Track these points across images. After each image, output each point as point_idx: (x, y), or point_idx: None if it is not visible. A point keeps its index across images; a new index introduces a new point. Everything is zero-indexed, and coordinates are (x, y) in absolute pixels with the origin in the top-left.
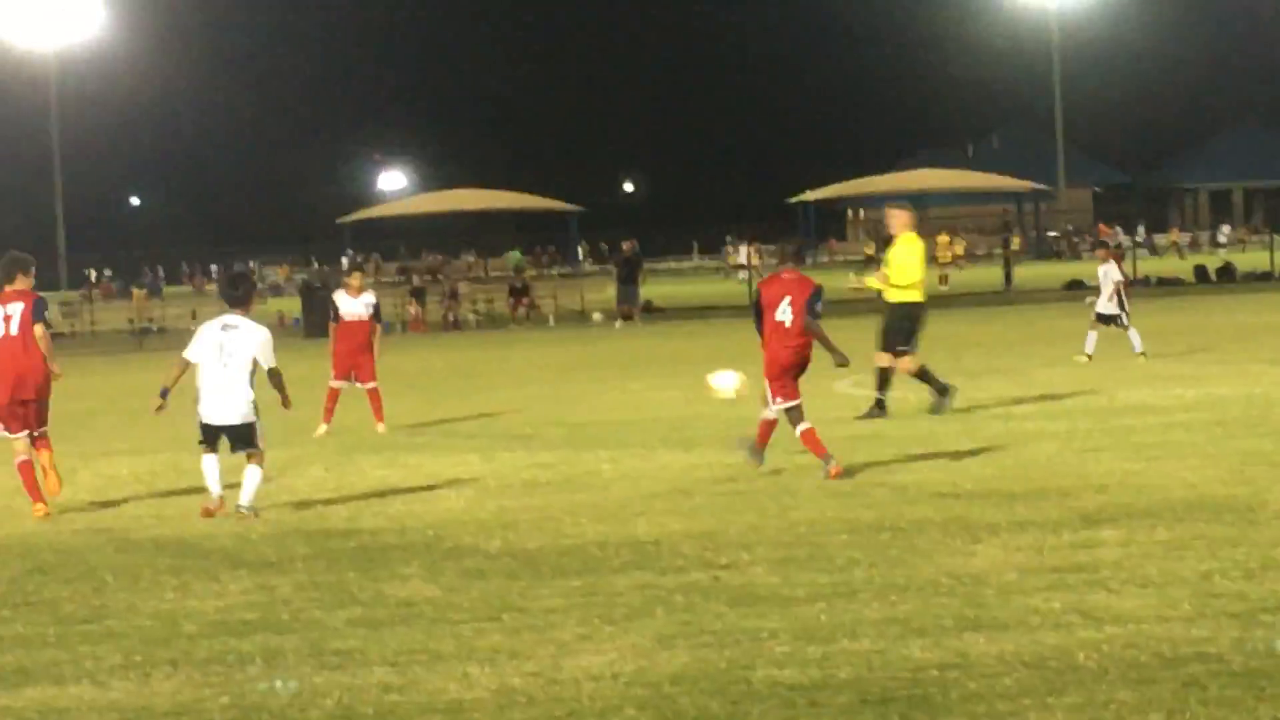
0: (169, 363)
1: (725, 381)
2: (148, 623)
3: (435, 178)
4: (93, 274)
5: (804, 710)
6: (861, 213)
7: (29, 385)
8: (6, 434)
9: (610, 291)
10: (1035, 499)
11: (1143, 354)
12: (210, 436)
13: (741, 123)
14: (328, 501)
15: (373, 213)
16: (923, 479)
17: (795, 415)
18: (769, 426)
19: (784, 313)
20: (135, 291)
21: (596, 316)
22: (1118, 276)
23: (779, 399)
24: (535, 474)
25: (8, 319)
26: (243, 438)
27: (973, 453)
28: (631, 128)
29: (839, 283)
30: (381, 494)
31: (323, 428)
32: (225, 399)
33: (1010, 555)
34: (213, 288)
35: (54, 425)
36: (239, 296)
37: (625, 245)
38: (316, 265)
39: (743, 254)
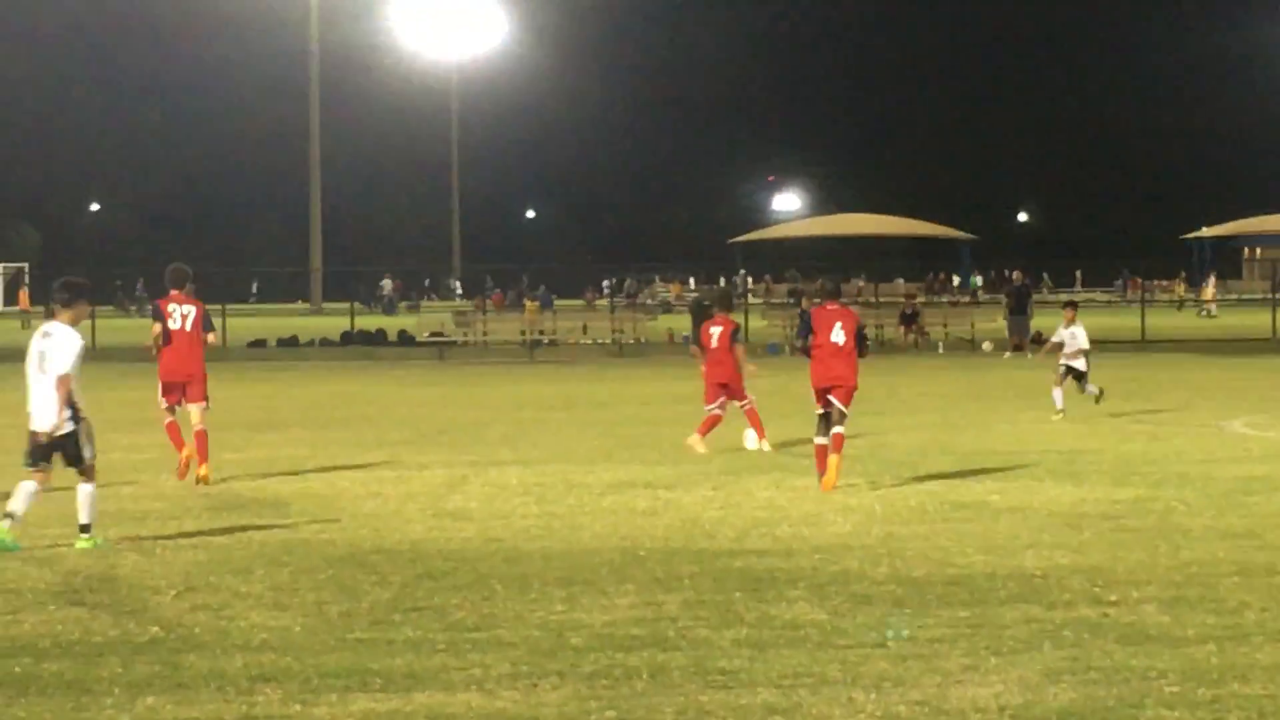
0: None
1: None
2: (536, 633)
3: (828, 201)
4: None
5: None
6: (1259, 251)
7: (190, 371)
8: (165, 404)
9: (1000, 321)
10: None
11: None
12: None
13: (1138, 156)
14: (715, 521)
15: (764, 234)
16: None
17: (824, 424)
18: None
19: (838, 335)
20: (528, 303)
21: (986, 346)
22: None
23: (839, 405)
24: (922, 501)
25: (185, 317)
26: (67, 448)
27: None
28: (1027, 157)
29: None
30: (768, 515)
31: (702, 448)
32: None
33: None
34: (603, 302)
35: (446, 434)
36: (66, 300)
37: (1015, 275)
38: (707, 284)
39: (1210, 289)
